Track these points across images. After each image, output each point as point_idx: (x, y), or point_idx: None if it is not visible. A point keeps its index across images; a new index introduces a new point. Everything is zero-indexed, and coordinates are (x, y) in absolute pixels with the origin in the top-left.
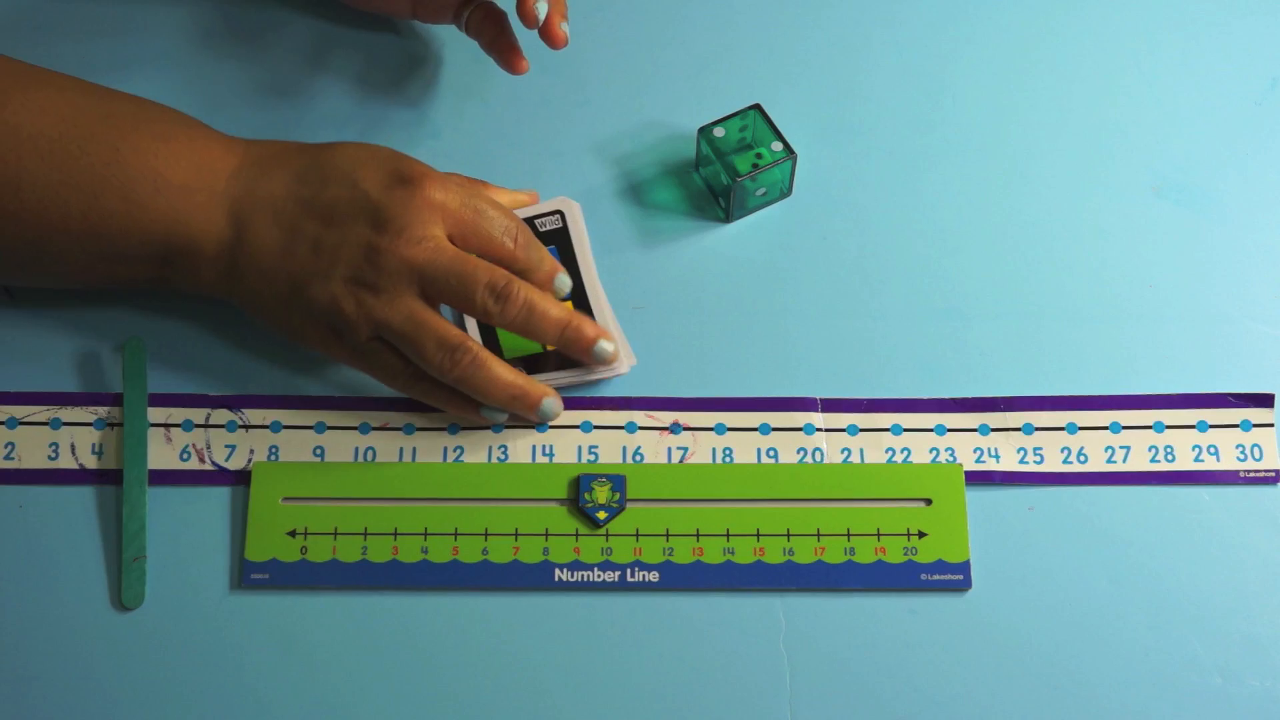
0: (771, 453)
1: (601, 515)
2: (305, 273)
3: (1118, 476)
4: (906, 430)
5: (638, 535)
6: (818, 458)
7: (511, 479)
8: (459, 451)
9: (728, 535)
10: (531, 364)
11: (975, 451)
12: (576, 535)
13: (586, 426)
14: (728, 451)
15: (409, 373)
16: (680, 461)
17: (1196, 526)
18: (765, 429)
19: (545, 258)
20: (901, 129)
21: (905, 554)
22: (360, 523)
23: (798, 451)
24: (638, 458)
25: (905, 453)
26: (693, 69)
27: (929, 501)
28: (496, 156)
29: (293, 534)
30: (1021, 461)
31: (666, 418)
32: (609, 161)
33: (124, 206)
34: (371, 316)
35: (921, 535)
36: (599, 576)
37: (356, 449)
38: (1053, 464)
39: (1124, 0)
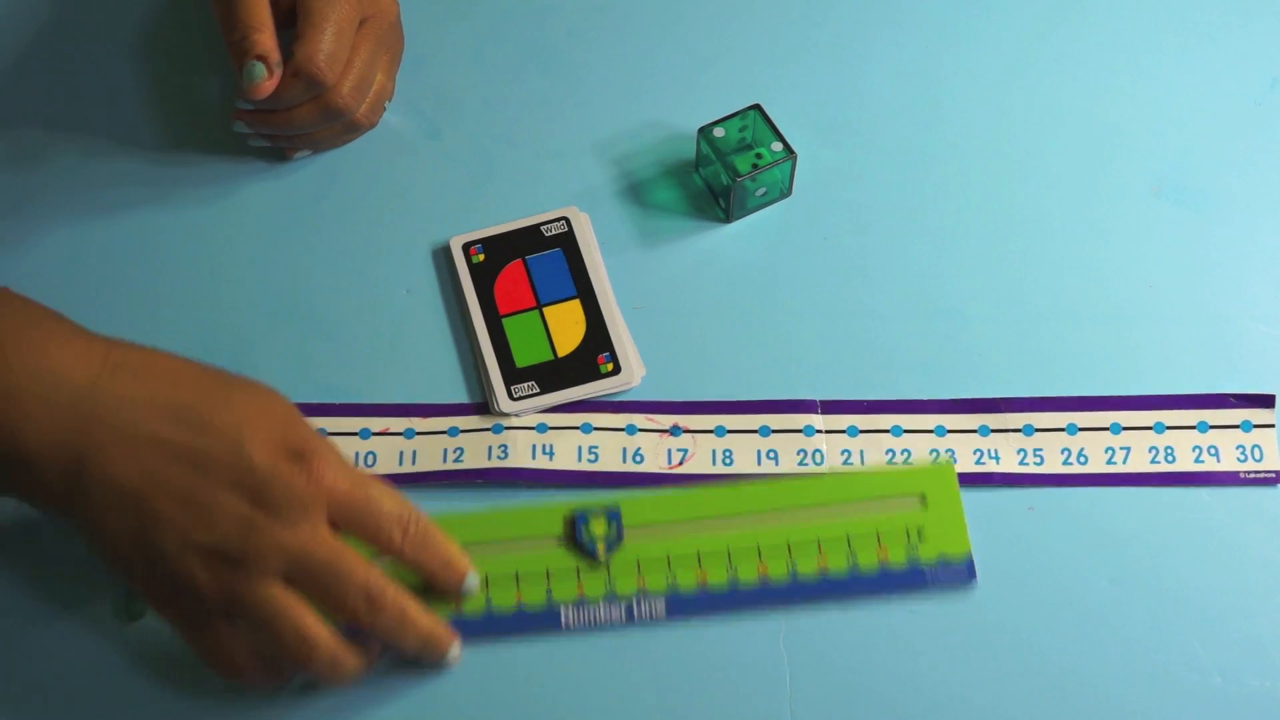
0: (771, 454)
1: (600, 548)
2: (163, 523)
3: (1118, 478)
4: (906, 431)
5: (639, 565)
6: (818, 459)
7: (505, 523)
8: (459, 453)
9: (729, 555)
10: (543, 374)
11: (975, 453)
12: (578, 572)
13: (586, 428)
14: (727, 454)
15: (248, 659)
16: (681, 463)
17: (1196, 527)
18: (765, 431)
19: (447, 555)
20: (901, 129)
21: (907, 554)
22: None
23: (797, 453)
24: (638, 459)
25: (905, 454)
26: (693, 69)
27: (923, 499)
28: (496, 156)
29: None
30: (1021, 463)
31: (666, 420)
32: (609, 161)
33: None
34: (228, 592)
35: (920, 533)
36: (605, 613)
37: (357, 454)
38: (1053, 465)
39: (1123, 0)
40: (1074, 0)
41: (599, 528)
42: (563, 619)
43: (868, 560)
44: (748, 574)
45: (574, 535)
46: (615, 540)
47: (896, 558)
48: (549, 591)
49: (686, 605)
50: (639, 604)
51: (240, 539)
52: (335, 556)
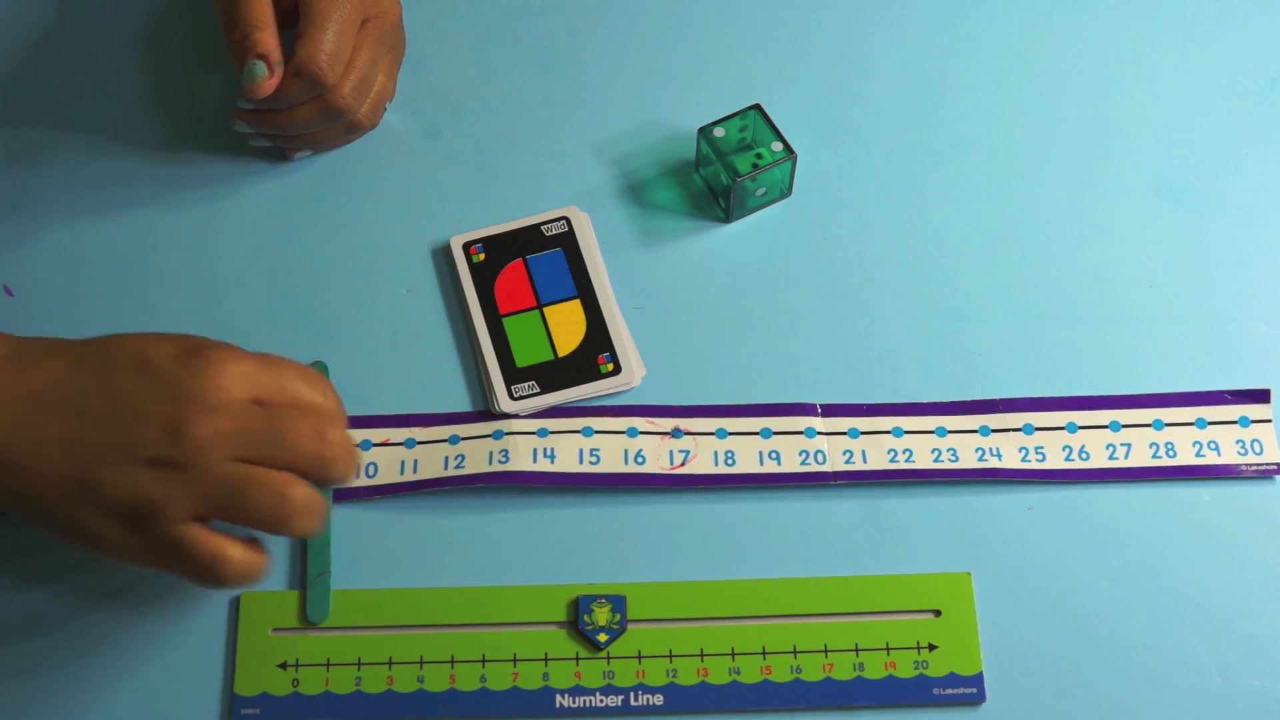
0: (774, 455)
1: (602, 638)
2: (93, 463)
3: (1121, 472)
4: (908, 432)
5: (640, 657)
6: (820, 460)
7: (508, 602)
8: (460, 460)
9: (733, 654)
10: (543, 374)
11: (976, 450)
12: (577, 659)
13: (588, 431)
14: (729, 455)
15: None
16: (683, 464)
17: (1196, 526)
18: (766, 433)
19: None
20: (901, 129)
21: (916, 668)
22: (353, 652)
23: (799, 454)
24: (639, 460)
25: (907, 454)
26: (693, 69)
27: (938, 613)
28: (496, 157)
29: (283, 666)
30: (1024, 460)
31: (667, 424)
32: (609, 161)
33: None
34: (188, 492)
35: (932, 648)
36: (601, 701)
37: (359, 464)
38: (1055, 461)
39: (1124, 0)
40: (1074, 0)
41: (602, 616)
42: (557, 702)
43: (874, 671)
44: (750, 673)
45: (576, 621)
46: (618, 631)
47: (904, 671)
48: (546, 675)
49: (685, 700)
50: (637, 694)
51: (174, 439)
52: (271, 417)
